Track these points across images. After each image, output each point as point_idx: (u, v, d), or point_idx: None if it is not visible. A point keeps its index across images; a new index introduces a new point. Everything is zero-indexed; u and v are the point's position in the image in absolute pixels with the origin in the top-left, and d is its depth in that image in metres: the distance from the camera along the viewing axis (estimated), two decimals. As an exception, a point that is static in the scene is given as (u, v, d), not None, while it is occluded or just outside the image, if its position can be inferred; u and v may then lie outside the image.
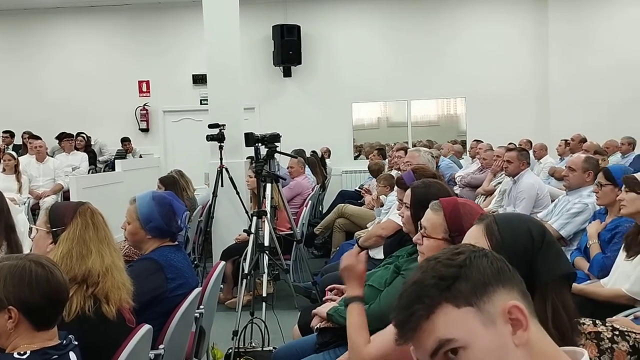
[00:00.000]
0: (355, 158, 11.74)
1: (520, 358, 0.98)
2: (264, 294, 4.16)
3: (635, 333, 2.35)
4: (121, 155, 10.96)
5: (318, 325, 2.60)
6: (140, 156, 11.37)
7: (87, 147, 10.63)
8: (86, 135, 10.88)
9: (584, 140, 8.71)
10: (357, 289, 2.14)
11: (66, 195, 7.83)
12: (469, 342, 0.97)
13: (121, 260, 2.24)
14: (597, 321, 2.39)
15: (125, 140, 11.30)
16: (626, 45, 10.65)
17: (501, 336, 0.98)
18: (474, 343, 0.97)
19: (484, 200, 6.32)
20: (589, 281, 3.24)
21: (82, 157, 9.54)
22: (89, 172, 9.51)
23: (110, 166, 10.56)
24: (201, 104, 11.07)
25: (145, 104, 11.86)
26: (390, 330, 1.96)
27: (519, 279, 1.05)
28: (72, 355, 1.73)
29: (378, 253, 4.10)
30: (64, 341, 1.72)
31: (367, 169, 9.17)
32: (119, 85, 11.73)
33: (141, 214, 2.62)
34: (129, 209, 2.67)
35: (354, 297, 2.13)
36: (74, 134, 10.12)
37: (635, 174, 3.16)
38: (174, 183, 5.43)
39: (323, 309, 2.63)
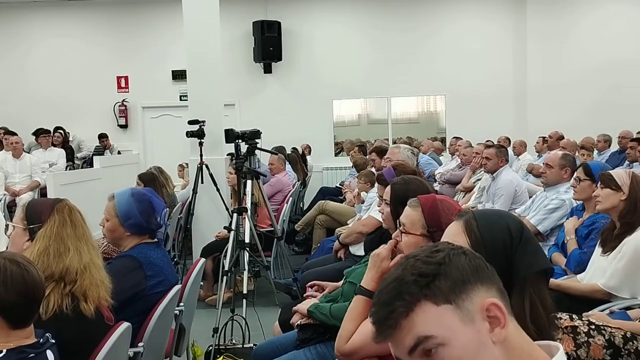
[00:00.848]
0: (336, 155, 11.74)
1: (498, 355, 1.00)
2: (245, 291, 4.15)
3: (610, 327, 2.40)
4: (99, 151, 10.82)
5: (299, 322, 2.61)
6: (119, 152, 11.25)
7: (64, 143, 10.47)
8: (64, 131, 10.72)
9: (562, 137, 8.81)
10: (373, 282, 2.05)
11: (43, 192, 7.72)
12: (448, 339, 0.98)
13: (100, 258, 2.21)
14: (574, 316, 2.44)
15: (103, 137, 11.16)
16: (604, 44, 10.78)
17: (479, 333, 0.99)
18: (453, 340, 0.98)
19: (464, 196, 6.38)
20: (566, 276, 3.28)
21: (59, 154, 9.40)
22: (66, 169, 9.38)
23: (88, 162, 10.42)
24: (181, 100, 10.97)
25: (124, 100, 11.74)
26: (367, 326, 1.98)
27: (496, 277, 1.06)
28: (49, 353, 1.71)
29: (359, 250, 4.11)
30: (41, 339, 1.70)
31: (348, 165, 9.21)
32: (97, 80, 11.58)
33: (120, 211, 2.60)
34: (107, 206, 2.64)
35: (367, 290, 2.05)
36: (51, 130, 9.97)
37: (611, 171, 3.21)
38: (153, 180, 5.39)
39: (303, 306, 2.63)
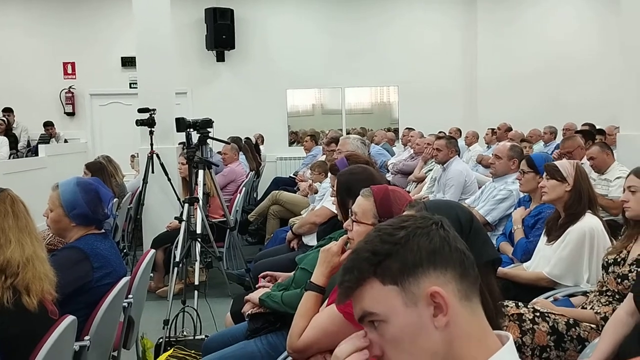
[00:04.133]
0: (290, 144, 11.72)
1: (437, 340, 1.01)
2: (196, 282, 4.10)
3: (554, 314, 2.48)
4: (44, 140, 10.45)
5: (250, 312, 2.59)
6: (66, 141, 10.90)
7: (7, 130, 10.07)
8: (7, 118, 10.32)
9: (510, 129, 9.04)
10: (323, 277, 2.07)
11: (-16, 181, 7.42)
12: (388, 317, 1.03)
13: (44, 250, 2.15)
14: (520, 303, 2.51)
15: (48, 125, 10.78)
16: (553, 38, 11.06)
17: (420, 317, 1.02)
18: (392, 319, 1.02)
19: (416, 186, 6.47)
20: (512, 265, 3.37)
21: (1, 141, 9.05)
22: (9, 157, 9.04)
23: (33, 151, 10.06)
24: (131, 87, 10.69)
25: (70, 87, 11.38)
26: (318, 320, 1.98)
27: (458, 259, 1.06)
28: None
29: (312, 240, 4.12)
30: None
31: (302, 155, 9.20)
32: (42, 67, 11.19)
33: (64, 201, 2.52)
34: (51, 196, 2.56)
35: (317, 286, 2.07)
36: (-6, 117, 9.60)
37: (556, 162, 3.30)
38: (101, 169, 5.26)
39: (255, 295, 2.61)
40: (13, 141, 9.89)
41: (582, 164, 3.63)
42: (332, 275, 2.07)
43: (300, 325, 2.00)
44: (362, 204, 2.09)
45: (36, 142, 10.30)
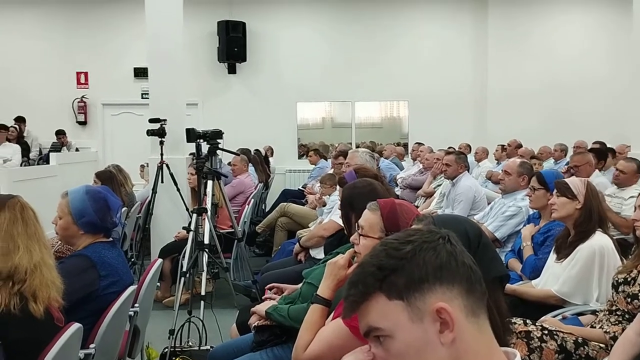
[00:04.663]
0: (300, 157, 11.73)
1: (444, 356, 1.01)
2: (203, 293, 4.09)
3: (563, 333, 2.45)
4: (56, 148, 10.53)
5: (256, 324, 2.58)
6: (77, 150, 10.98)
7: (19, 138, 10.17)
8: (19, 126, 10.41)
9: (520, 145, 9.01)
10: (329, 290, 2.07)
11: (-4, 188, 7.48)
12: (393, 333, 1.02)
13: (51, 258, 2.15)
14: (528, 321, 2.48)
15: (60, 133, 10.86)
16: (564, 55, 11.07)
17: (425, 333, 1.01)
18: (398, 335, 1.02)
19: (425, 201, 6.45)
20: (521, 282, 3.34)
21: (14, 149, 9.14)
22: (21, 165, 9.12)
23: (44, 159, 10.14)
24: (142, 97, 10.77)
25: (83, 96, 11.48)
26: (324, 333, 1.97)
27: (465, 274, 1.05)
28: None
29: (319, 253, 4.10)
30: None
31: (311, 168, 9.21)
32: (55, 76, 11.31)
33: (73, 209, 2.52)
34: (60, 203, 2.57)
35: (323, 299, 2.07)
36: (8, 126, 9.66)
37: (567, 179, 3.28)
38: (111, 178, 5.28)
39: (262, 307, 2.60)
40: (24, 149, 9.97)
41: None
42: (339, 288, 2.06)
43: (306, 338, 1.99)
44: (369, 217, 2.08)
45: (48, 150, 10.38)
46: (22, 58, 11.20)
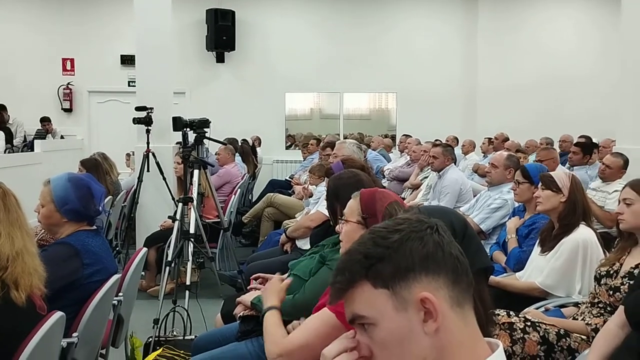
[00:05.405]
0: (287, 148, 11.71)
1: (426, 346, 1.01)
2: (188, 282, 4.08)
3: (545, 324, 2.47)
4: (41, 135, 10.40)
5: (241, 314, 2.57)
6: (62, 137, 10.86)
7: (2, 124, 10.02)
8: (2, 112, 10.27)
9: (507, 139, 9.04)
10: (274, 301, 2.16)
11: (-21, 175, 7.39)
12: (378, 321, 1.02)
13: (34, 245, 2.13)
14: (511, 312, 2.50)
15: (45, 120, 10.72)
16: (553, 51, 11.10)
17: (409, 322, 1.01)
18: (382, 323, 1.02)
19: (411, 193, 6.46)
20: (505, 274, 3.37)
21: (-2, 136, 9.02)
22: (5, 152, 9.01)
23: (29, 146, 10.02)
24: (129, 85, 10.67)
25: (69, 83, 11.35)
26: (311, 321, 1.97)
27: (451, 265, 1.04)
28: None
29: (305, 244, 4.10)
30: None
31: (299, 159, 9.17)
32: (41, 62, 11.15)
33: (56, 196, 2.50)
34: (42, 191, 2.54)
35: (271, 306, 2.13)
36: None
37: (552, 172, 3.30)
38: (96, 166, 5.24)
39: (247, 297, 2.60)
40: (8, 136, 9.83)
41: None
42: (282, 297, 2.20)
43: (279, 333, 1.99)
44: (351, 204, 2.12)
45: (32, 137, 10.25)
46: (7, 44, 11.02)
